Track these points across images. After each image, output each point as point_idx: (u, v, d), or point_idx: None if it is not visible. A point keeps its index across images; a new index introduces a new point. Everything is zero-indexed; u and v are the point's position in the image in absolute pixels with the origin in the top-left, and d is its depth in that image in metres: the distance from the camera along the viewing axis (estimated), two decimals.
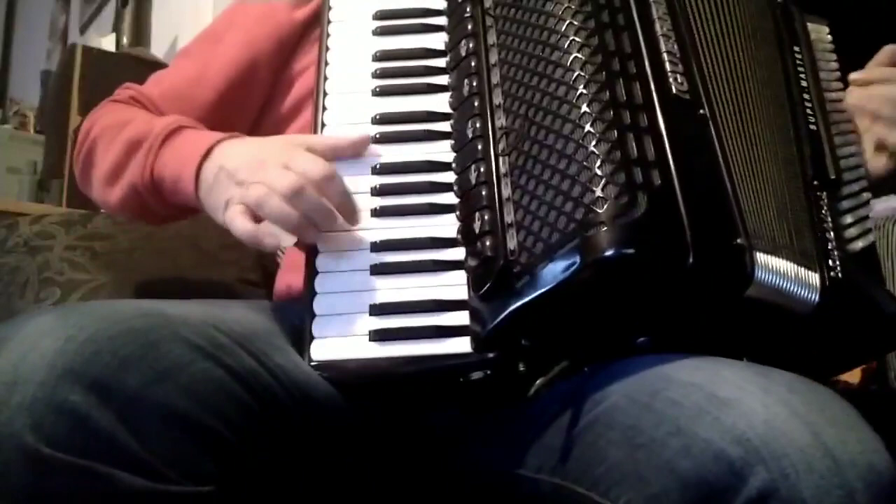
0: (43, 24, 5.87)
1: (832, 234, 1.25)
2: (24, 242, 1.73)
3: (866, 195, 1.32)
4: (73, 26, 5.19)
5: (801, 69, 1.38)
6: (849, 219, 1.28)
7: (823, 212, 1.26)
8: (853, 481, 0.91)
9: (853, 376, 1.87)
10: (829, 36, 1.45)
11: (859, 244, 1.27)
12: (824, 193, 1.28)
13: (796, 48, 1.39)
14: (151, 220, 1.49)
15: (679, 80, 1.19)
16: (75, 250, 1.72)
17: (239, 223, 1.18)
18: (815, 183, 1.29)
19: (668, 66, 1.20)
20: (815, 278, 1.18)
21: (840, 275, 1.21)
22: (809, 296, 1.16)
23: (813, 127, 1.33)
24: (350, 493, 1.21)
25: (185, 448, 0.95)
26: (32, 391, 0.89)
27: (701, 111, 1.19)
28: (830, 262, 1.22)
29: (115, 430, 0.91)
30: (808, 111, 1.34)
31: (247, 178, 1.20)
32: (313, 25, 1.52)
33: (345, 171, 1.24)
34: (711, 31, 1.28)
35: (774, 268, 1.13)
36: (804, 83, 1.37)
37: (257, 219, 1.19)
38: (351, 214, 1.21)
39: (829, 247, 1.24)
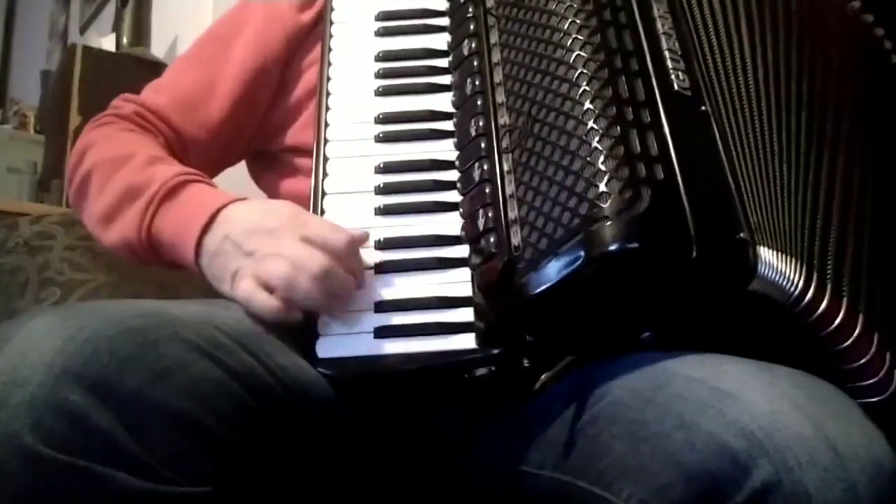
0: (43, 24, 5.86)
1: None
2: (24, 242, 1.73)
3: None
4: (73, 26, 5.18)
5: None
6: None
7: None
8: (856, 474, 0.92)
9: None
10: None
11: None
12: None
13: None
14: (142, 265, 1.42)
15: (681, 77, 1.20)
16: (75, 250, 1.72)
17: (261, 299, 1.15)
18: None
19: (669, 64, 1.21)
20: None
21: None
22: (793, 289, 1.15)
23: None
24: (351, 493, 1.21)
25: (184, 448, 0.95)
26: (32, 391, 0.89)
27: (703, 107, 1.20)
28: None
29: (113, 430, 0.91)
30: None
31: (257, 250, 1.18)
32: (317, 26, 1.53)
33: (347, 168, 1.26)
34: (716, 30, 1.28)
35: (775, 264, 1.13)
36: None
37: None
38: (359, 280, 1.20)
39: None
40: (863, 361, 1.15)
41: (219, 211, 1.24)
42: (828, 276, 1.17)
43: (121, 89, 1.60)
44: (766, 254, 1.13)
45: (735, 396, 0.97)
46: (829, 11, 1.41)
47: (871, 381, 1.15)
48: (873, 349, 1.15)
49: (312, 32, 1.54)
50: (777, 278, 1.13)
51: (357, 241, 1.20)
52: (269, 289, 1.16)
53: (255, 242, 1.19)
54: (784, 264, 1.14)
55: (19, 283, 1.69)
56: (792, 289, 1.14)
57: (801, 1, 1.38)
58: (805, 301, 1.14)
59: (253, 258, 1.18)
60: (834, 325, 1.15)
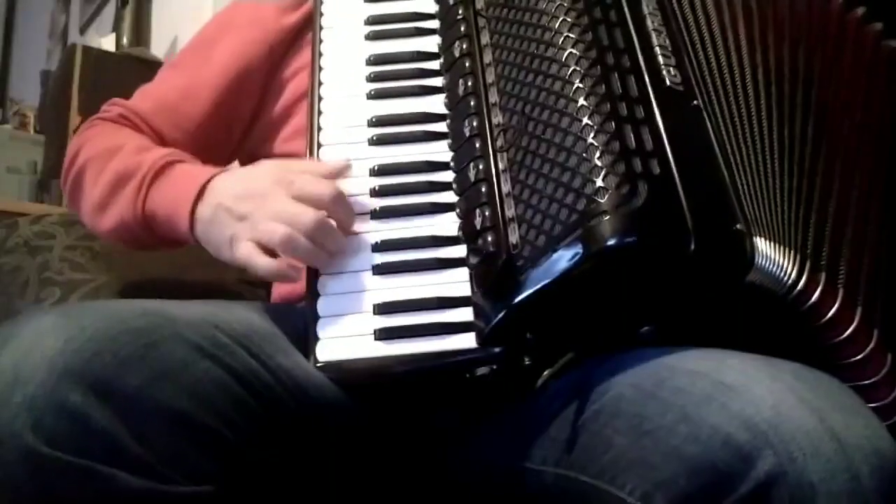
0: (43, 24, 5.87)
1: None
2: (24, 242, 1.73)
3: None
4: (73, 26, 5.19)
5: None
6: None
7: None
8: (859, 465, 0.92)
9: None
10: None
11: None
12: None
13: None
14: (140, 249, 1.48)
15: (672, 73, 1.20)
16: (75, 250, 1.72)
17: (262, 262, 1.19)
18: None
19: (660, 60, 1.21)
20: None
21: None
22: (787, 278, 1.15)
23: None
24: (352, 492, 1.21)
25: (185, 448, 0.95)
26: (33, 391, 0.90)
27: (695, 102, 1.20)
28: None
29: (115, 430, 0.91)
30: None
31: (250, 213, 1.21)
32: (302, 31, 1.54)
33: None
34: (709, 27, 1.29)
35: (770, 254, 1.13)
36: None
37: (269, 251, 1.20)
38: (351, 226, 1.23)
39: None
40: (861, 357, 1.15)
41: (208, 182, 1.28)
42: (821, 264, 1.17)
43: (121, 89, 1.62)
44: (762, 245, 1.13)
45: (738, 389, 0.97)
46: (837, 20, 1.40)
47: (872, 381, 1.15)
48: (872, 344, 1.15)
49: (297, 37, 1.55)
50: (773, 268, 1.13)
51: (339, 172, 1.25)
52: (269, 251, 1.19)
53: (247, 206, 1.22)
54: (780, 255, 1.14)
55: (19, 283, 1.69)
56: (786, 278, 1.14)
57: (809, 4, 1.37)
58: (797, 289, 1.14)
59: (247, 222, 1.21)
60: (829, 316, 1.15)
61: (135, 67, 3.23)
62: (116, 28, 3.76)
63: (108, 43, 3.66)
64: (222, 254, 1.26)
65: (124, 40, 3.59)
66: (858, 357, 1.15)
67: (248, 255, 1.20)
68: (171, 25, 3.43)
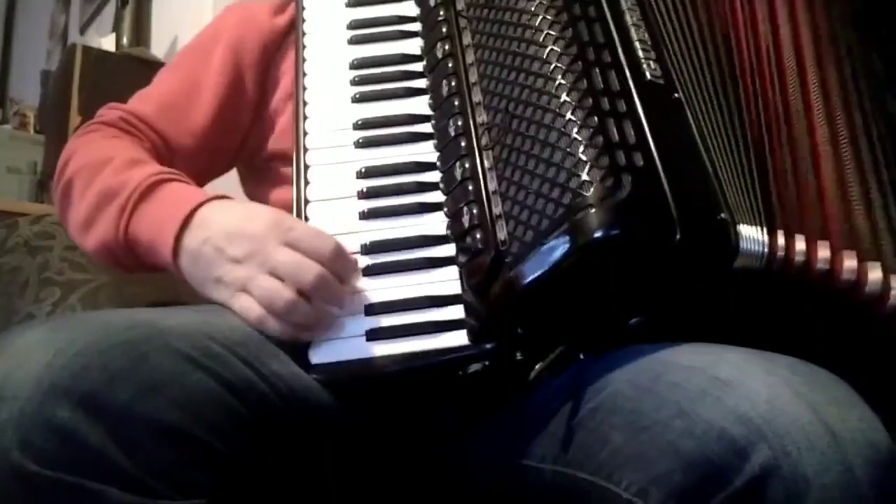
0: (43, 24, 5.84)
1: None
2: (24, 242, 1.73)
3: None
4: (73, 26, 5.17)
5: None
6: None
7: None
8: (853, 458, 0.92)
9: None
10: None
11: None
12: None
13: None
14: (124, 271, 1.40)
15: (652, 67, 1.20)
16: (75, 250, 1.71)
17: (272, 327, 1.14)
18: None
19: (640, 54, 1.21)
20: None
21: None
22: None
23: None
24: (352, 494, 1.22)
25: (177, 461, 0.95)
26: (20, 407, 0.90)
27: (675, 95, 1.20)
28: None
29: (104, 445, 0.91)
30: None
31: (243, 256, 1.17)
32: (291, 32, 1.52)
33: (329, 175, 1.27)
34: (686, 18, 1.29)
35: (753, 236, 1.14)
36: None
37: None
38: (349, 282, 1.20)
39: None
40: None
41: (196, 209, 1.22)
42: (844, 242, 1.19)
43: (121, 89, 1.60)
44: (746, 231, 1.14)
45: (733, 384, 0.98)
46: None
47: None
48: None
49: (287, 37, 1.54)
50: (754, 247, 1.14)
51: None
52: (273, 311, 1.14)
53: (239, 248, 1.17)
54: (761, 235, 1.15)
55: (19, 283, 1.69)
56: (764, 249, 1.15)
57: None
58: (778, 252, 1.16)
59: (241, 269, 1.16)
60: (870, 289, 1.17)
61: (135, 67, 3.21)
62: (116, 28, 3.75)
63: (108, 43, 3.65)
64: (206, 291, 1.20)
65: (124, 40, 3.58)
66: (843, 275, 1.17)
67: (259, 320, 1.14)
68: (171, 25, 3.43)
